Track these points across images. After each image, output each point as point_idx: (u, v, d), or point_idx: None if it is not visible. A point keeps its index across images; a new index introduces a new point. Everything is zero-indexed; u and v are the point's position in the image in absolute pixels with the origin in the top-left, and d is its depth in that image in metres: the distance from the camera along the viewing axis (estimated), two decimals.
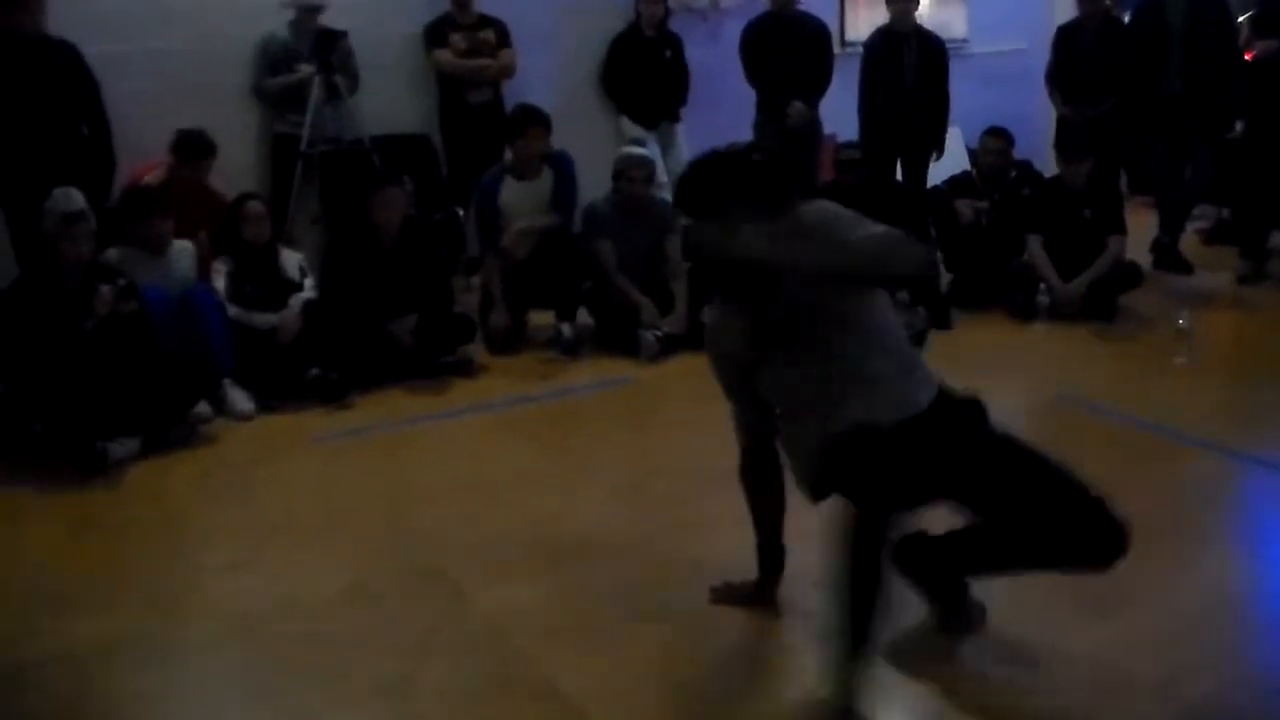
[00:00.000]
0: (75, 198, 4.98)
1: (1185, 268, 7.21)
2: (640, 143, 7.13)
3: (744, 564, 3.25)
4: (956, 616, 3.08)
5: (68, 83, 5.59)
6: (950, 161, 7.63)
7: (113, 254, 5.17)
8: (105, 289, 4.75)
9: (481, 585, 3.48)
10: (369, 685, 2.99)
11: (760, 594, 3.24)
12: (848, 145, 6.97)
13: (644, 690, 2.91)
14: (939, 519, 2.90)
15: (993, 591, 3.31)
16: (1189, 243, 7.54)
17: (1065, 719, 2.73)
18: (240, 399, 5.17)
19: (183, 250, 5.45)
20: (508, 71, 7.27)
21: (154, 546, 3.94)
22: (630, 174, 6.13)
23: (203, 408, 4.98)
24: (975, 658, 3.00)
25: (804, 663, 2.86)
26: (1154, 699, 2.79)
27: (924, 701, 2.82)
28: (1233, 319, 6.52)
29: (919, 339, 5.90)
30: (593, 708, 2.85)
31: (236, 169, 6.58)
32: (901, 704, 2.82)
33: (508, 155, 6.22)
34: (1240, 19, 7.31)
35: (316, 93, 6.49)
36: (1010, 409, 5.05)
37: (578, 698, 2.90)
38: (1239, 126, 7.34)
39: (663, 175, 7.14)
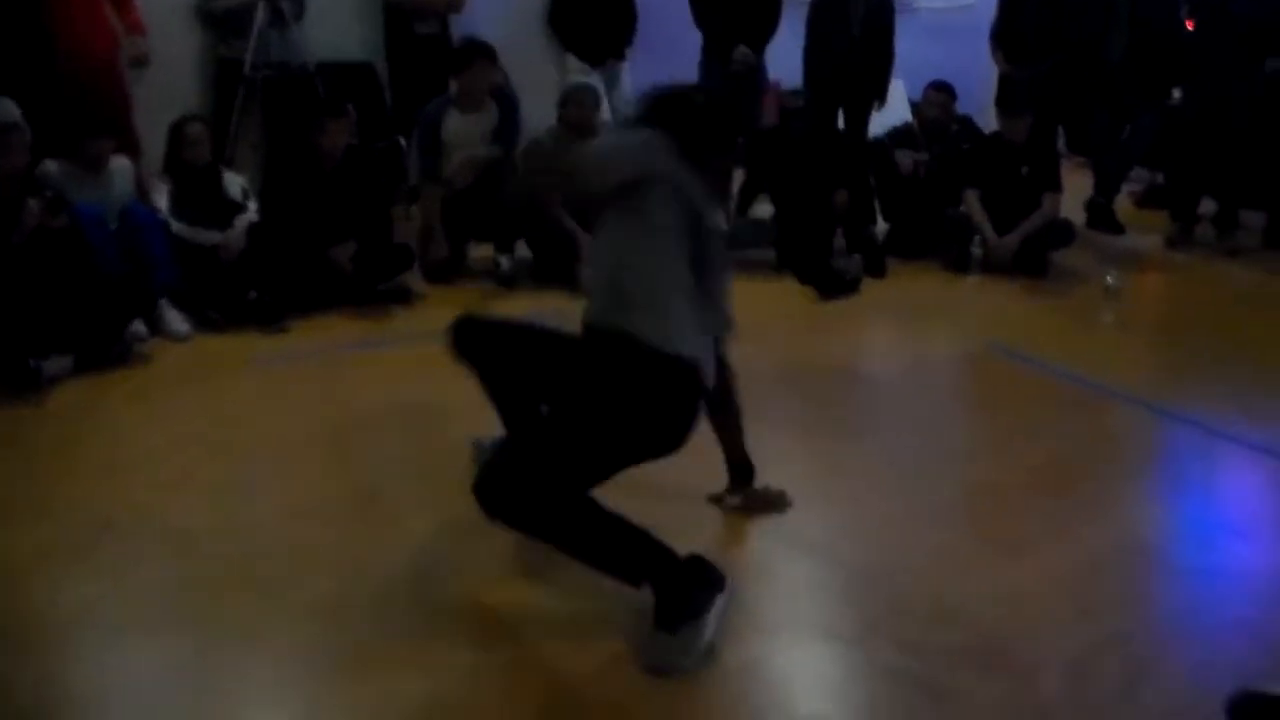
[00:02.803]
0: (9, 108, 4.92)
1: (1117, 228, 7.36)
2: None
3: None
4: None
5: None
6: (892, 113, 7.69)
7: (50, 166, 5.10)
8: (33, 202, 4.68)
9: (416, 510, 3.51)
10: (304, 605, 3.02)
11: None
12: (791, 92, 7.02)
13: (578, 614, 2.98)
14: None
15: (905, 530, 3.43)
16: (1122, 204, 7.70)
17: (978, 650, 2.82)
18: (176, 320, 5.14)
19: (121, 168, 5.38)
20: (456, 5, 7.23)
21: (89, 464, 3.92)
22: (578, 99, 6.14)
23: (138, 327, 4.95)
24: (889, 592, 3.10)
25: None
26: (1064, 634, 2.89)
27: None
28: (1160, 280, 6.68)
29: (853, 286, 6.01)
30: (526, 630, 2.92)
31: (177, 91, 6.51)
32: None
33: (453, 87, 6.20)
34: None
35: (261, 17, 6.41)
36: (941, 356, 5.22)
37: (511, 619, 2.96)
38: (1176, 94, 7.47)
39: (606, 113, 7.15)
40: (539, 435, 2.92)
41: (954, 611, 3.00)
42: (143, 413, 4.40)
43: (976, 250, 6.56)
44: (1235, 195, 7.14)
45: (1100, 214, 7.40)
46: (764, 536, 3.41)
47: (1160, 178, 8.25)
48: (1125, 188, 7.83)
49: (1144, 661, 2.80)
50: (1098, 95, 7.21)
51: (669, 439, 2.93)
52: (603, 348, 2.93)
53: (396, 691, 2.66)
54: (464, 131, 6.08)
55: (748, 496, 3.52)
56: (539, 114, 6.46)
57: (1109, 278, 5.95)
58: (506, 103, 6.23)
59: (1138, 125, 7.43)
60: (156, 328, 5.10)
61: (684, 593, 2.78)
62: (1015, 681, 2.70)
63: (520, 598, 3.06)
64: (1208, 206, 7.28)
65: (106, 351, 4.80)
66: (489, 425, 3.44)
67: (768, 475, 3.56)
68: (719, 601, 2.81)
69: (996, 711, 2.60)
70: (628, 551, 2.78)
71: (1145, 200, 8.23)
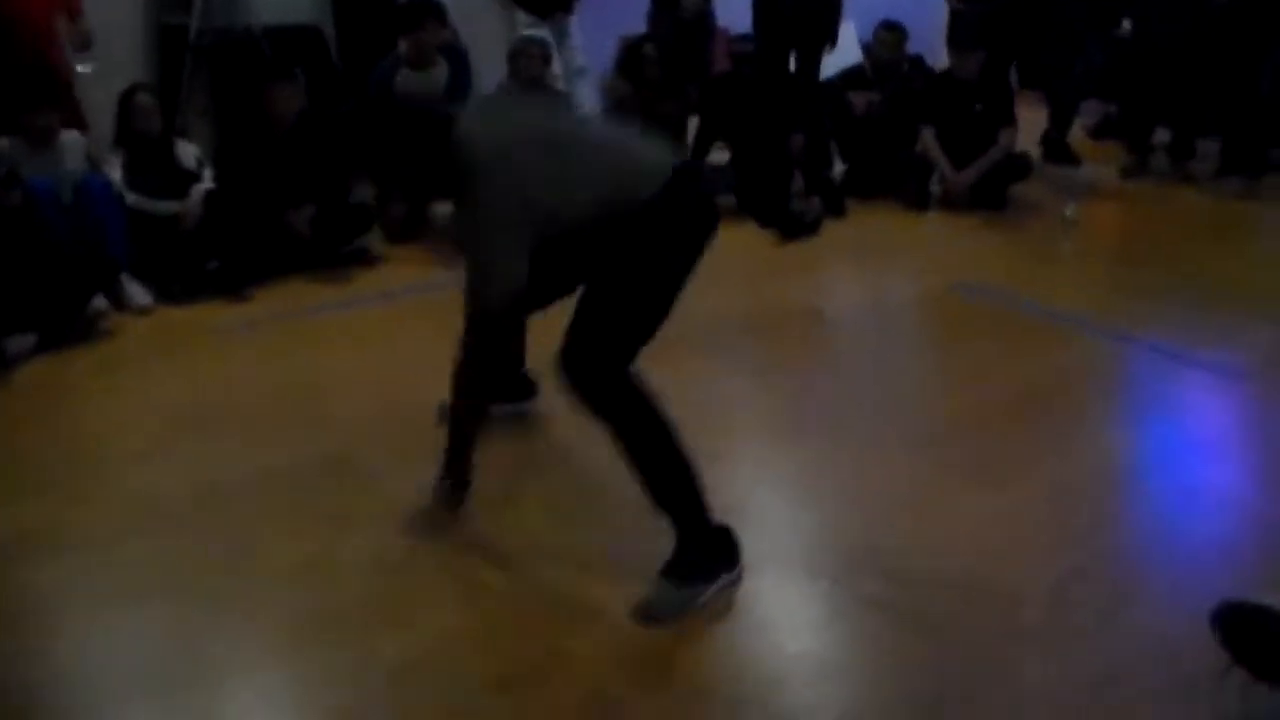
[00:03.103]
0: None
1: (1073, 160, 7.40)
2: None
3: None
4: None
5: None
6: (843, 55, 7.67)
7: (0, 143, 5.02)
8: None
9: (388, 472, 3.51)
10: (280, 570, 3.02)
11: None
12: (741, 38, 6.99)
13: (560, 574, 2.98)
14: None
15: (878, 465, 3.46)
16: (1076, 136, 7.74)
17: (959, 580, 2.85)
18: (138, 292, 5.10)
19: (73, 142, 5.29)
20: None
21: (58, 439, 3.89)
22: (529, 51, 6.11)
23: (100, 301, 4.91)
24: (867, 527, 3.13)
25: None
26: (1039, 561, 2.94)
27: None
28: (1116, 210, 6.72)
29: (813, 227, 6.03)
30: (507, 590, 2.93)
31: (122, 62, 6.40)
32: None
33: (402, 46, 6.14)
34: None
35: None
36: (904, 293, 5.26)
37: (491, 579, 2.97)
38: (1127, 24, 7.50)
39: (557, 67, 7.11)
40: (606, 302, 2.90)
41: (933, 543, 3.03)
42: (110, 386, 4.37)
43: (935, 187, 6.58)
44: (1190, 123, 7.18)
45: (1056, 147, 7.44)
46: (739, 477, 3.42)
47: (1114, 109, 8.28)
48: (1079, 120, 7.87)
49: (1122, 584, 2.85)
50: (1049, 28, 7.22)
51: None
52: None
53: (375, 654, 2.67)
54: (416, 89, 6.03)
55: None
56: (489, 69, 6.41)
57: (1067, 209, 6.01)
58: (457, 59, 6.18)
59: (1087, 57, 7.45)
60: (118, 301, 5.04)
61: (705, 555, 2.81)
62: (998, 609, 2.74)
63: (500, 558, 3.06)
64: (1163, 136, 7.32)
65: (70, 327, 4.75)
66: None
67: (735, 418, 3.59)
68: (723, 579, 2.83)
69: (982, 638, 2.64)
70: (672, 474, 2.75)
71: (1099, 132, 8.26)
